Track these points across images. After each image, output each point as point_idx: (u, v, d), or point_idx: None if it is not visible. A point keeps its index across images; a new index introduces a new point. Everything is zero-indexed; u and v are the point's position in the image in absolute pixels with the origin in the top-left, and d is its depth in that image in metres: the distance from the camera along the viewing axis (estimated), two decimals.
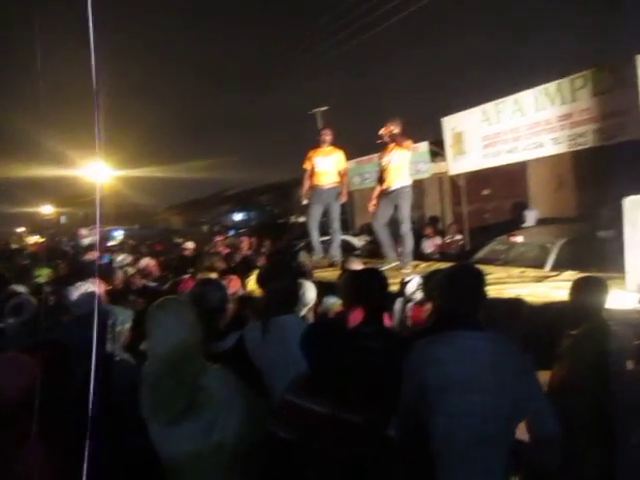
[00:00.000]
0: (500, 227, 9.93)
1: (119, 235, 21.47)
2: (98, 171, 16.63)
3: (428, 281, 3.23)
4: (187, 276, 4.54)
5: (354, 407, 1.99)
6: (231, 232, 18.25)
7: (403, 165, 6.20)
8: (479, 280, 2.24)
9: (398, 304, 3.88)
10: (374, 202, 6.48)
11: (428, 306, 3.56)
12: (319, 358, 2.11)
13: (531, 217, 10.14)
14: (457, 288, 2.21)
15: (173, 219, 26.25)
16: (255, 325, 2.67)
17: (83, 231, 13.79)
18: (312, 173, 6.97)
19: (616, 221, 7.61)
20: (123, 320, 2.94)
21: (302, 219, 18.70)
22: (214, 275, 4.42)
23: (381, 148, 6.51)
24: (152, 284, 5.36)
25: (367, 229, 13.18)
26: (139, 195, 27.51)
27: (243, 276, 4.75)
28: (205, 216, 26.16)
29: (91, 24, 1.68)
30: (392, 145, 6.16)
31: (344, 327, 2.41)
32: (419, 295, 3.80)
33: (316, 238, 7.13)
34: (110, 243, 14.49)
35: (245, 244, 8.12)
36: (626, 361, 2.49)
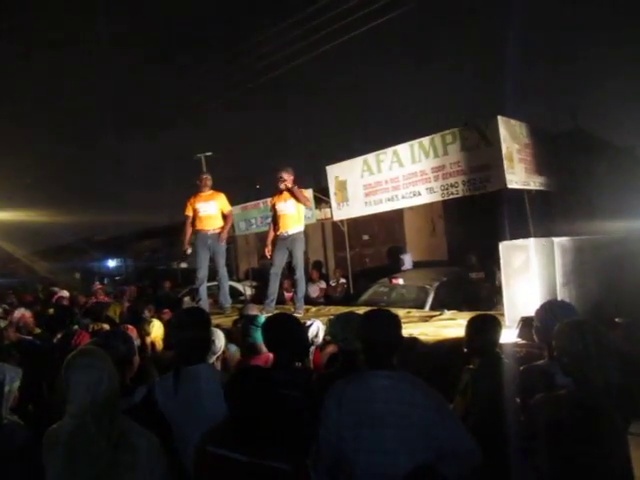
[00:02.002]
0: (380, 271, 10.47)
1: None
2: None
3: (333, 325, 3.30)
4: (76, 327, 4.23)
5: (278, 454, 1.97)
6: (105, 280, 17.23)
7: (299, 212, 6.40)
8: (392, 323, 2.35)
9: None
10: (269, 247, 6.53)
11: (330, 349, 3.65)
12: (242, 405, 2.07)
13: (408, 261, 10.81)
14: (370, 331, 2.32)
15: (37, 266, 24.18)
16: (166, 376, 2.56)
17: None
18: (195, 219, 6.89)
19: (483, 264, 8.42)
20: (12, 379, 2.65)
21: (184, 265, 18.21)
22: (106, 326, 4.16)
23: (269, 194, 6.63)
24: (28, 338, 4.91)
25: (252, 274, 13.18)
26: (1, 241, 25.00)
27: (134, 326, 4.52)
28: (75, 262, 24.47)
29: None
30: (285, 193, 6.34)
31: (267, 374, 2.39)
32: (320, 339, 3.88)
33: (204, 290, 7.01)
34: None
35: (128, 293, 7.74)
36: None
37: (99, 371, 1.88)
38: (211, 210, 6.88)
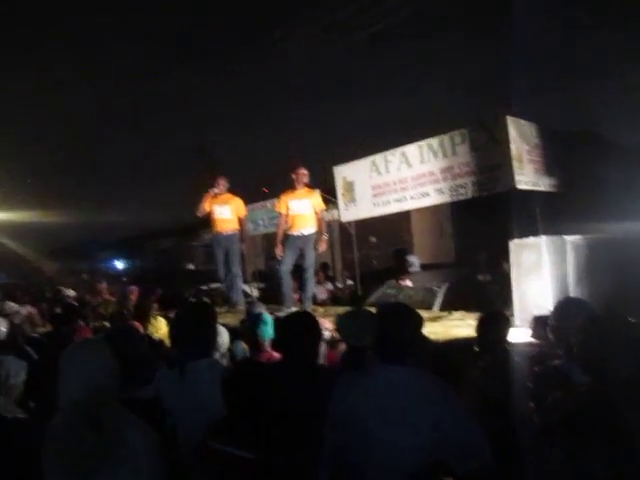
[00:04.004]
0: (387, 272, 10.41)
1: None
2: None
3: (342, 321, 3.27)
4: (82, 323, 4.22)
5: (280, 450, 1.93)
6: (112, 280, 17.28)
7: (313, 212, 6.39)
8: (411, 319, 2.29)
9: None
10: (280, 247, 6.49)
11: (342, 347, 3.62)
12: (242, 401, 2.03)
13: (416, 263, 10.74)
14: (388, 325, 2.27)
15: (45, 267, 24.30)
16: (169, 371, 2.53)
17: None
18: (211, 219, 7.19)
19: (491, 265, 8.34)
20: (17, 372, 2.63)
21: (191, 267, 18.21)
22: (106, 323, 4.16)
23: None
24: (34, 334, 4.90)
25: (259, 276, 13.15)
26: (9, 241, 25.03)
27: (140, 323, 4.53)
28: (83, 264, 24.60)
29: None
30: (302, 191, 6.34)
31: (268, 370, 2.35)
32: (327, 334, 3.85)
33: (229, 284, 7.41)
34: None
35: (134, 294, 7.78)
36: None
37: (92, 364, 1.83)
38: (226, 214, 7.19)
